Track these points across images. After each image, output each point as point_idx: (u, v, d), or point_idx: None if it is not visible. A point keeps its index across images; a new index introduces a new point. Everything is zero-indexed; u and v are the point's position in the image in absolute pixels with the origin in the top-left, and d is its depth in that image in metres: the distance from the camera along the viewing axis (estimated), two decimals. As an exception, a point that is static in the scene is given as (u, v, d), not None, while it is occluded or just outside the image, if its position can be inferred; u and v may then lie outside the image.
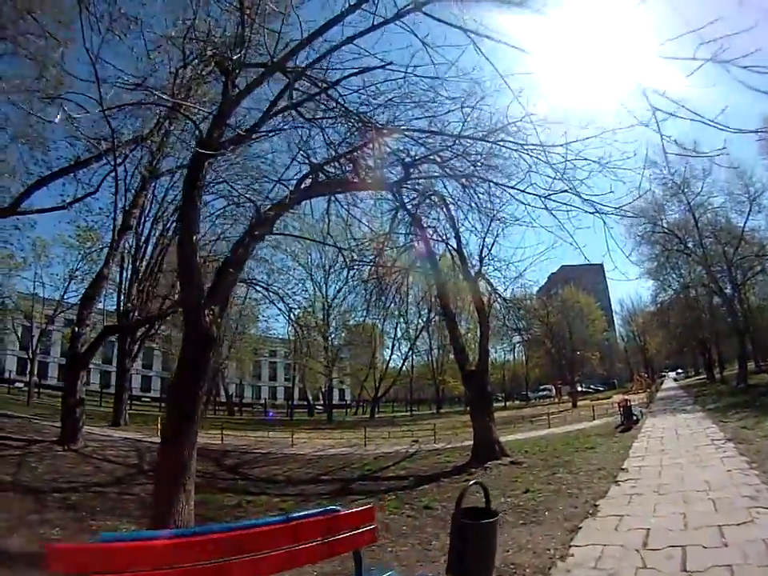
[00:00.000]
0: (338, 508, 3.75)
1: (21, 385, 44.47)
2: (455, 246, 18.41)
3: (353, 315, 44.36)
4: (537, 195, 11.59)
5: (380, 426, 36.76)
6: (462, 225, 17.86)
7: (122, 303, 30.03)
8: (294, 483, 14.92)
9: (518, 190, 12.57)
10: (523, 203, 12.93)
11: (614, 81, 7.15)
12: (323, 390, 56.77)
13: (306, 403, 62.44)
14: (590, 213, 10.49)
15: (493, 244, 18.34)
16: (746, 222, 42.07)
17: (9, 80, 13.15)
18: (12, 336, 42.93)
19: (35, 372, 40.28)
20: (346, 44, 8.76)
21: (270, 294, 25.69)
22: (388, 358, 59.10)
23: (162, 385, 63.30)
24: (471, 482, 5.91)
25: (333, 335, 52.36)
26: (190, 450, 7.91)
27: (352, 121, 10.57)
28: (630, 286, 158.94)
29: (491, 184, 14.00)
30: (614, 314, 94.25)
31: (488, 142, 11.96)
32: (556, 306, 55.55)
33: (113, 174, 18.46)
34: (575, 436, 21.49)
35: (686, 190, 42.36)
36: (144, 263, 30.97)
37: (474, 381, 17.58)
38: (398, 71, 9.59)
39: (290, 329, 27.97)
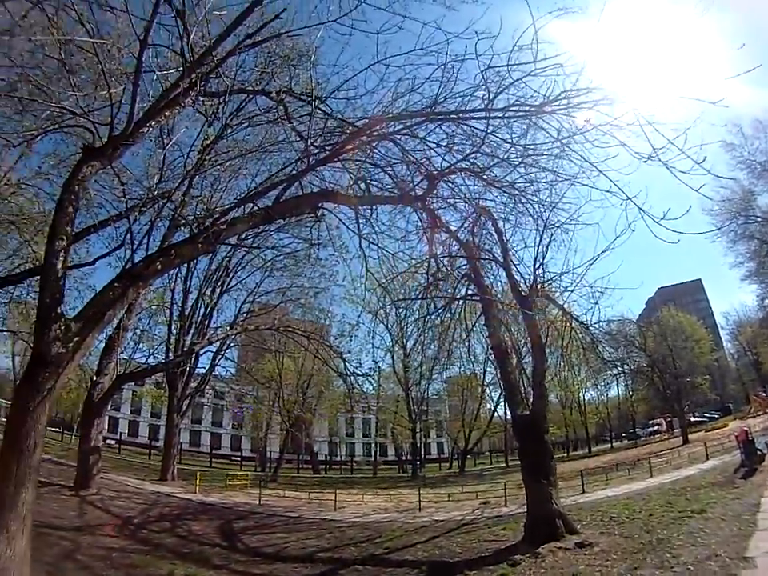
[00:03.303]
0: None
1: (112, 442, 46.45)
2: (502, 261, 15.49)
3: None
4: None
5: (466, 481, 33.46)
6: (511, 239, 15.41)
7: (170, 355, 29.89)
8: (274, 559, 12.52)
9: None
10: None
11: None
12: (416, 444, 53.42)
13: (397, 459, 59.37)
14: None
15: (548, 249, 15.29)
16: None
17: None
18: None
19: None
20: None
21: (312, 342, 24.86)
22: (477, 407, 54.48)
23: (211, 440, 63.96)
24: None
25: (423, 386, 49.36)
26: (18, 486, 6.63)
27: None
28: (734, 296, 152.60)
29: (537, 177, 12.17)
30: (719, 329, 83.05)
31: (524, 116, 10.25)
32: (657, 331, 49.81)
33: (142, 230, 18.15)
34: (681, 489, 17.15)
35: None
36: (192, 318, 31.73)
37: (525, 429, 13.93)
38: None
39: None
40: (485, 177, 11.93)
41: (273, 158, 16.81)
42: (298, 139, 11.87)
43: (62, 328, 7.27)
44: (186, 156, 16.89)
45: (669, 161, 7.98)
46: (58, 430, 44.04)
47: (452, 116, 10.38)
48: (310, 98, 10.25)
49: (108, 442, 38.22)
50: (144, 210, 14.24)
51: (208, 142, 14.62)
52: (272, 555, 12.95)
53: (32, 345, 7.63)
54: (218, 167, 15.98)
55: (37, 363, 7.08)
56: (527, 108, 9.81)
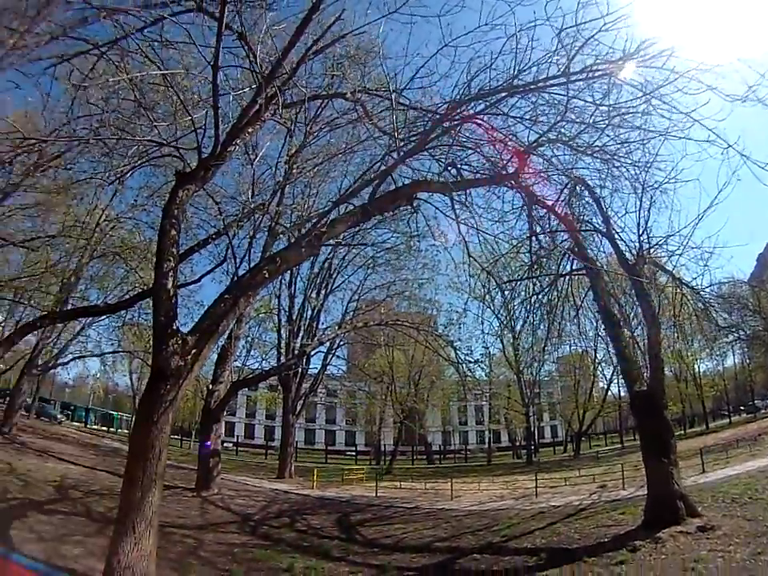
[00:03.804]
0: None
1: (229, 445, 50.49)
2: (605, 230, 15.06)
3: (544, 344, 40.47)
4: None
5: (582, 465, 32.74)
6: (611, 206, 15.16)
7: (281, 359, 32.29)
8: (392, 550, 12.97)
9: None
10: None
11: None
12: (530, 429, 52.73)
13: (511, 445, 58.91)
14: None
15: (649, 212, 14.83)
16: None
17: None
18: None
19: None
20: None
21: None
22: (590, 386, 52.58)
23: (326, 437, 66.40)
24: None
25: (534, 368, 48.57)
26: (144, 492, 7.32)
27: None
28: None
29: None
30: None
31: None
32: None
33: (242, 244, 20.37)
34: (807, 466, 15.83)
35: None
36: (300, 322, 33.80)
37: (643, 405, 13.47)
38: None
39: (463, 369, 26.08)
40: (573, 145, 11.75)
41: (359, 157, 17.61)
42: (382, 135, 12.23)
43: (179, 342, 7.92)
44: (274, 167, 17.88)
45: (764, 98, 7.62)
46: (177, 437, 47.88)
47: (531, 86, 10.29)
48: (386, 93, 10.59)
49: (225, 445, 41.10)
50: (241, 225, 15.30)
51: (293, 151, 15.40)
52: (390, 546, 13.42)
53: (150, 361, 8.45)
54: (307, 174, 16.72)
55: (158, 377, 7.76)
56: (606, 66, 9.58)
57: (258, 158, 14.49)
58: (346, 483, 28.26)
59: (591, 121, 11.02)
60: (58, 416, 47.19)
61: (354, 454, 58.99)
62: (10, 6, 9.13)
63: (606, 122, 11.01)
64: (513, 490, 23.67)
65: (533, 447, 49.96)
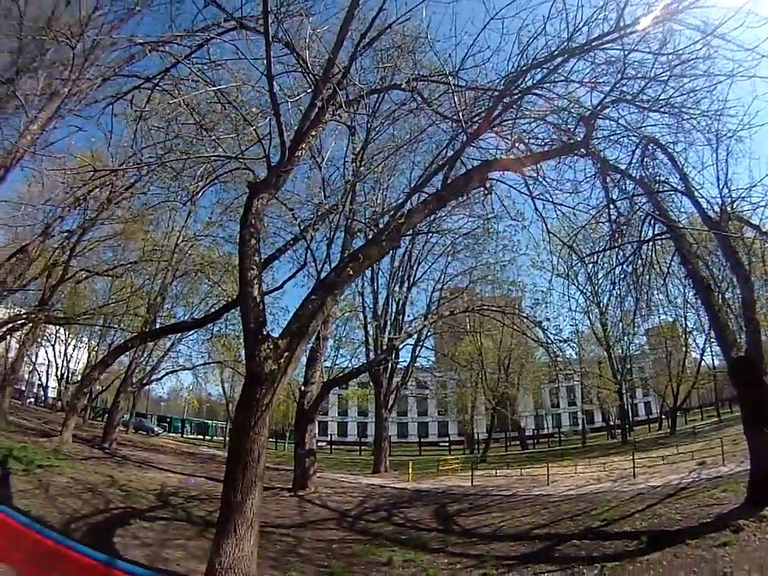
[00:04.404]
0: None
1: (323, 444, 51.86)
2: (683, 188, 14.43)
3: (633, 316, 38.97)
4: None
5: (678, 441, 31.67)
6: (686, 163, 14.37)
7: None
8: (490, 539, 13.02)
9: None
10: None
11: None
12: (623, 407, 50.93)
13: (605, 425, 57.08)
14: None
15: (727, 164, 14.13)
16: None
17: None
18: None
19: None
20: None
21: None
22: (683, 357, 49.82)
23: (419, 429, 66.58)
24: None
25: (624, 342, 46.93)
26: (245, 495, 7.59)
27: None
28: None
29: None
30: None
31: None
32: None
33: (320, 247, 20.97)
34: None
35: None
36: (386, 316, 34.40)
37: (742, 372, 12.82)
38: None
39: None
40: (639, 102, 11.47)
41: (424, 146, 17.90)
42: (444, 120, 12.41)
43: (271, 347, 8.26)
44: (342, 167, 18.29)
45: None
46: (272, 440, 49.19)
47: (586, 47, 10.17)
48: (442, 77, 10.78)
49: (320, 444, 42.22)
50: (317, 227, 15.70)
51: (358, 148, 15.66)
52: (488, 535, 13.46)
53: (240, 370, 8.86)
54: (375, 170, 16.99)
55: (253, 383, 8.11)
56: (659, 12, 9.29)
57: (324, 160, 14.86)
58: (441, 474, 28.51)
59: (653, 74, 10.70)
60: (155, 428, 50.08)
61: (447, 444, 58.94)
62: (57, 58, 9.76)
63: (668, 72, 10.65)
64: (609, 471, 23.02)
65: (627, 426, 48.42)
